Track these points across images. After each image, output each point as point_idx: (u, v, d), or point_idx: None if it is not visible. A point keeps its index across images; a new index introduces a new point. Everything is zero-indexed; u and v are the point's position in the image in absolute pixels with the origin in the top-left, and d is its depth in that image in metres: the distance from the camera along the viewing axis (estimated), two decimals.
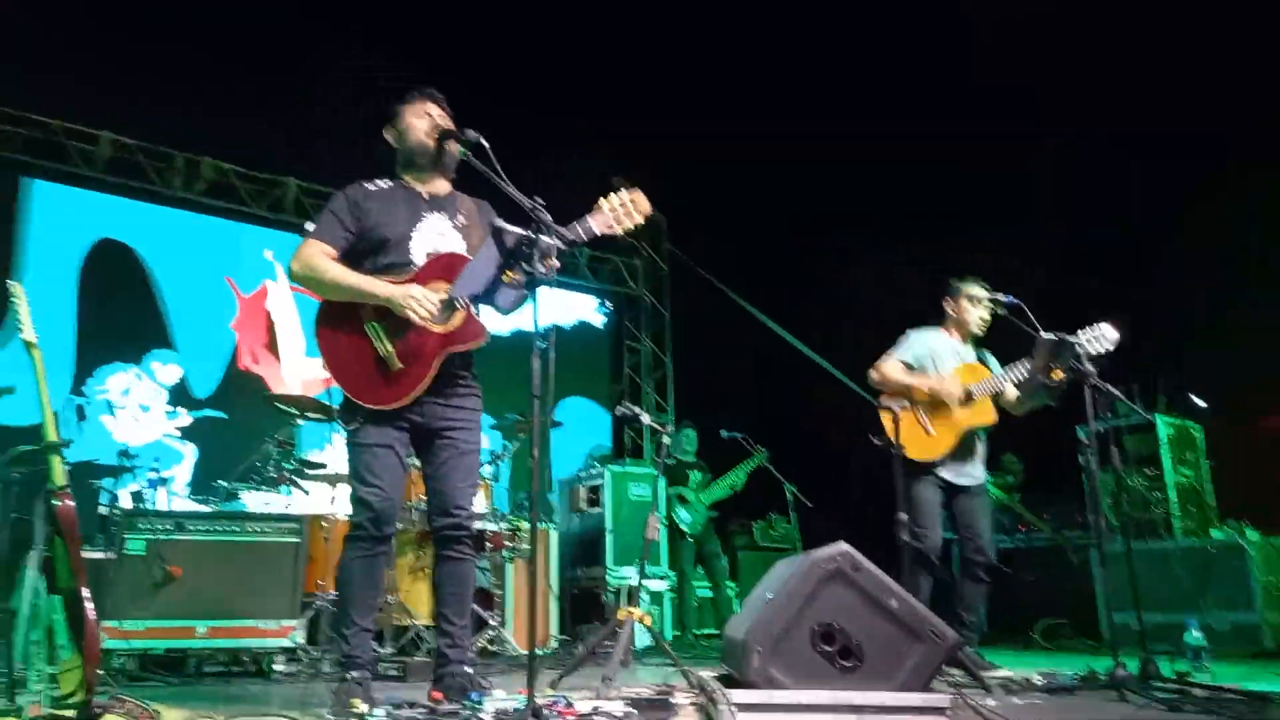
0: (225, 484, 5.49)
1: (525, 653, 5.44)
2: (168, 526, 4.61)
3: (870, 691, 2.53)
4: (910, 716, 2.48)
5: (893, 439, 4.17)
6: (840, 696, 2.51)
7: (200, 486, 7.20)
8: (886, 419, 4.22)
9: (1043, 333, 3.61)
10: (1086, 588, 6.18)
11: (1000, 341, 4.51)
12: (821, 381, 4.60)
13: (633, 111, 8.54)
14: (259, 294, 8.22)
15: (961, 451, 4.32)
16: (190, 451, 7.49)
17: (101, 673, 2.47)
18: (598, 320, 10.72)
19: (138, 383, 7.36)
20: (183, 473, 7.35)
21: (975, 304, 4.43)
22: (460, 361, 3.09)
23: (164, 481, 5.32)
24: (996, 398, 4.35)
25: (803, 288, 8.80)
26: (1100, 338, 3.74)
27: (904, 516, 3.77)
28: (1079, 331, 3.79)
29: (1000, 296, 3.98)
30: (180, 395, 7.60)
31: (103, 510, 5.01)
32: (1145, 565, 5.31)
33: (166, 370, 7.56)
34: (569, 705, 2.57)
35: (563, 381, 9.19)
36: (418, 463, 3.18)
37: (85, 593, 2.42)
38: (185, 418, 7.50)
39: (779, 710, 2.50)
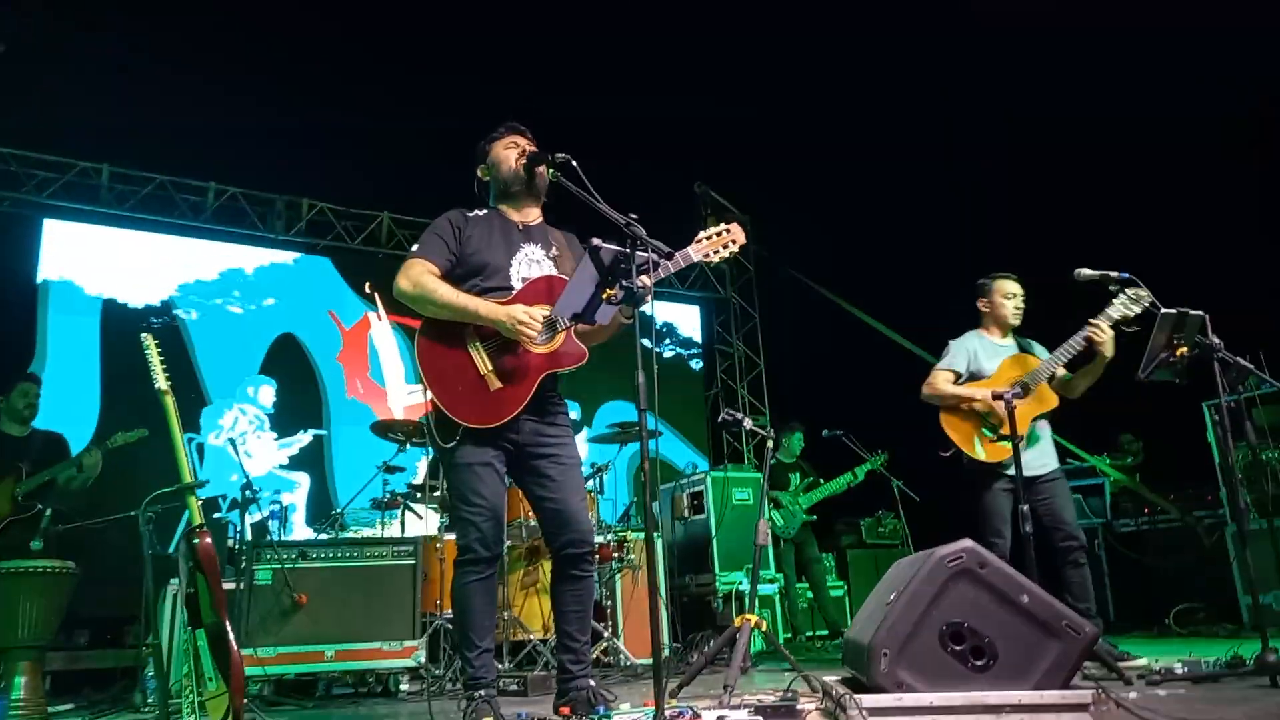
0: (349, 509, 5.68)
1: (639, 662, 5.49)
2: (292, 555, 4.79)
3: (1006, 691, 2.45)
4: (1050, 715, 2.39)
5: (959, 446, 4.22)
6: (974, 697, 2.43)
7: (316, 515, 7.48)
8: (948, 427, 4.26)
9: (1163, 308, 3.44)
10: (1220, 569, 5.88)
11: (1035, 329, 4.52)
12: (922, 372, 4.51)
13: (713, 112, 8.53)
14: (360, 325, 8.51)
15: (1027, 443, 4.23)
16: (304, 480, 7.77)
17: (248, 699, 2.57)
18: (689, 327, 10.74)
19: (242, 415, 7.69)
20: (299, 501, 7.64)
21: (1008, 298, 4.45)
22: (553, 380, 3.13)
23: (285, 511, 5.54)
24: (1052, 381, 4.28)
25: (895, 278, 8.65)
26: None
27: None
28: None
29: (1112, 273, 3.81)
30: (287, 423, 7.91)
31: (231, 543, 5.24)
32: None
33: (263, 392, 7.88)
34: (695, 715, 2.56)
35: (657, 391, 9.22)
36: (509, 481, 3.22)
37: (228, 625, 2.53)
38: (296, 445, 7.79)
39: (911, 713, 2.44)
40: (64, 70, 6.70)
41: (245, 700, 2.54)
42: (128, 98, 7.00)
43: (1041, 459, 4.31)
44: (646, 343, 2.39)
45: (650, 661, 5.61)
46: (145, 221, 7.93)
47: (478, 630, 3.01)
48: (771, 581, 6.98)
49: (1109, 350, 4.05)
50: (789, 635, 7.14)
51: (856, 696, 2.47)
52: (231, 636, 2.51)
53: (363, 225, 8.80)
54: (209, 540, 2.60)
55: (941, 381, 4.38)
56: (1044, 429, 4.35)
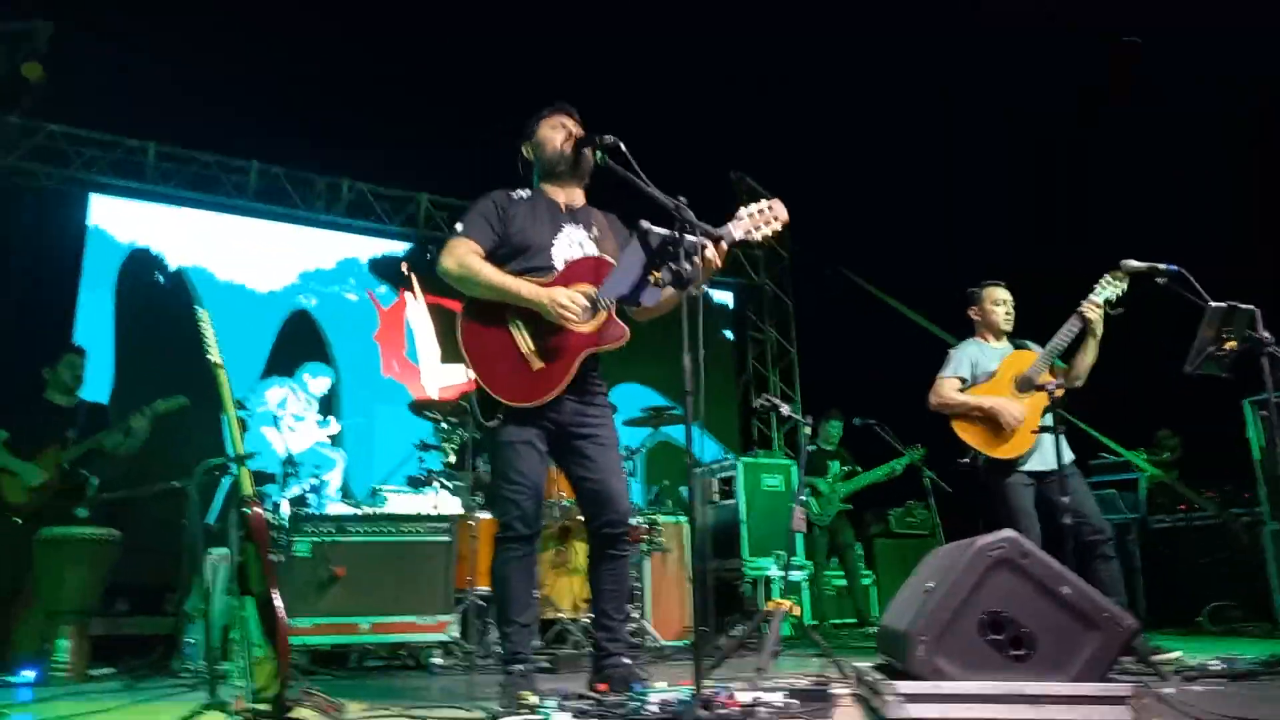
0: (384, 487, 5.76)
1: (666, 644, 5.53)
2: (330, 529, 4.87)
3: (1044, 681, 2.44)
4: (1088, 707, 2.39)
5: (976, 447, 4.27)
6: (1012, 687, 2.43)
7: (352, 490, 7.59)
8: (960, 430, 4.32)
9: (1211, 302, 3.40)
10: (1256, 568, 5.81)
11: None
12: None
13: (747, 101, 8.49)
14: (398, 305, 8.59)
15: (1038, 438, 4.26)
16: (340, 458, 7.89)
17: (292, 668, 2.63)
18: (721, 313, 10.72)
19: (293, 395, 7.80)
20: (335, 478, 7.75)
21: (998, 304, 4.57)
22: (594, 360, 3.15)
23: (322, 486, 5.62)
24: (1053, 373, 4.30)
25: (931, 268, 8.58)
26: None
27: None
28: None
29: (1160, 266, 3.77)
30: (329, 404, 8.02)
31: (269, 516, 5.33)
32: None
33: (317, 382, 8.00)
34: (731, 696, 2.58)
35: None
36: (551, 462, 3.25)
37: (275, 594, 2.58)
38: (335, 425, 7.90)
39: (948, 700, 2.45)
40: (113, 49, 6.78)
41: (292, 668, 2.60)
42: (175, 78, 7.09)
43: (1060, 452, 4.28)
44: (691, 327, 2.37)
45: (679, 643, 5.68)
46: (190, 199, 8.05)
47: (516, 607, 3.05)
48: (800, 569, 7.00)
49: (1099, 328, 4.15)
50: (815, 622, 7.15)
51: (892, 683, 2.48)
52: (279, 605, 2.57)
53: (400, 206, 8.87)
54: (260, 510, 2.66)
55: (948, 390, 4.44)
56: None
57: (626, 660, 3.10)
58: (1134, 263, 3.93)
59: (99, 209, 7.77)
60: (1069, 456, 4.34)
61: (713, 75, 8.32)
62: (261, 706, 2.54)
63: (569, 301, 2.97)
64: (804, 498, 7.12)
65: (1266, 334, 3.29)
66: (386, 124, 7.80)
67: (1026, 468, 4.26)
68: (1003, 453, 4.26)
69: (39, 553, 4.64)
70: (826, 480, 7.30)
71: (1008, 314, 4.58)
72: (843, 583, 7.62)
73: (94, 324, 7.47)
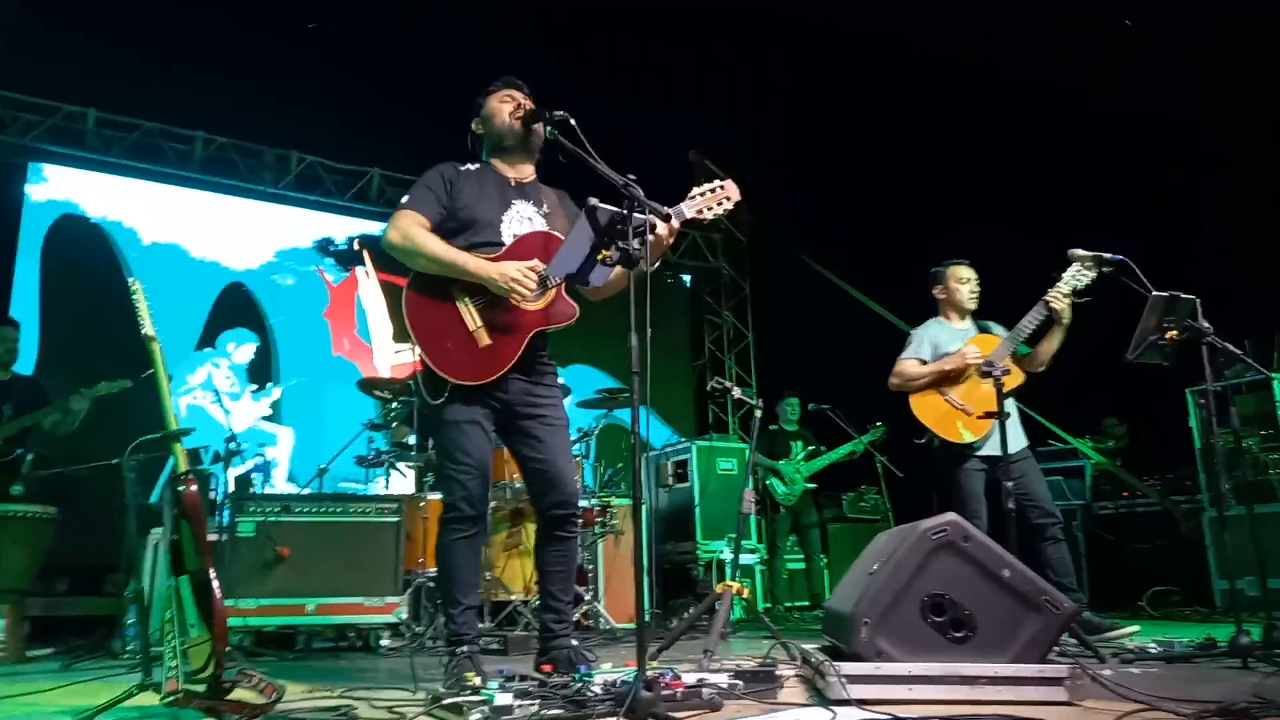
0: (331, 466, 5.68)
1: (619, 626, 5.53)
2: (275, 509, 4.79)
3: (984, 663, 2.47)
4: (1025, 687, 2.42)
5: (933, 430, 4.30)
6: (952, 668, 2.46)
7: (299, 470, 7.45)
8: (920, 412, 4.35)
9: (1154, 291, 3.45)
10: (1196, 554, 5.96)
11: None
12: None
13: (719, 75, 8.45)
14: (348, 282, 8.44)
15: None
16: (287, 435, 7.75)
17: (229, 648, 2.57)
18: (678, 295, 10.70)
19: (216, 370, 7.62)
20: (281, 456, 7.61)
21: (962, 283, 4.57)
22: (543, 339, 3.11)
23: (269, 465, 5.52)
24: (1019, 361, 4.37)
25: (891, 255, 8.64)
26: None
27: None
28: None
29: (1106, 255, 3.83)
30: (265, 373, 7.84)
31: (212, 495, 5.22)
32: (1261, 530, 5.09)
33: (241, 351, 7.82)
34: (676, 677, 2.57)
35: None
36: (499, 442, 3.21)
37: (212, 573, 2.51)
38: (276, 392, 7.74)
39: (889, 681, 2.47)
40: (52, 11, 6.55)
41: (226, 649, 2.53)
42: (117, 44, 6.86)
43: (1012, 437, 4.32)
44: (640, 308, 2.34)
45: (629, 626, 5.69)
46: (133, 169, 7.81)
47: (461, 588, 3.01)
48: (752, 552, 7.04)
49: (1067, 317, 4.19)
50: (768, 605, 7.21)
51: (835, 664, 2.50)
52: (216, 584, 2.50)
53: (352, 181, 8.69)
54: (194, 487, 2.58)
55: (910, 368, 4.46)
56: (1011, 407, 4.39)
57: (574, 641, 3.08)
58: (1081, 251, 3.98)
59: (36, 177, 7.51)
60: (1023, 442, 4.41)
61: (672, 51, 8.27)
62: (196, 688, 2.48)
63: (520, 275, 2.92)
64: (757, 479, 7.18)
65: (1206, 324, 3.35)
66: (339, 98, 7.64)
67: (982, 452, 4.30)
68: (960, 437, 4.29)
69: None
70: (790, 461, 7.35)
71: (972, 292, 4.58)
72: (798, 566, 7.68)
73: (30, 296, 7.24)
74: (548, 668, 2.93)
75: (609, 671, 2.76)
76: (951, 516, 2.63)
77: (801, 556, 7.66)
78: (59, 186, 7.54)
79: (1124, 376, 4.53)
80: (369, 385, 5.91)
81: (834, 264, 9.03)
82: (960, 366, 4.32)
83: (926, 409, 4.37)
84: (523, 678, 2.59)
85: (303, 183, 8.46)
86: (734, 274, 10.91)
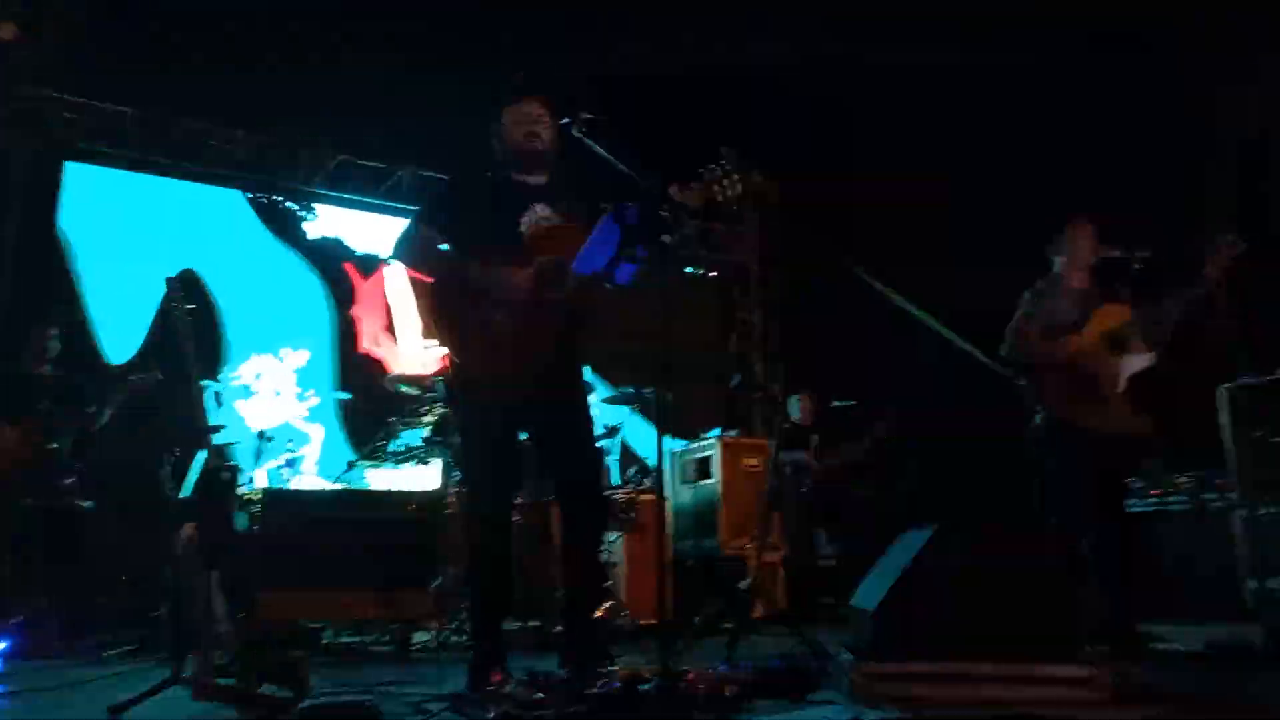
0: (360, 462, 5.72)
1: (642, 623, 5.53)
2: (304, 504, 4.84)
3: (1008, 662, 2.46)
4: (1055, 688, 2.41)
5: (1053, 409, 3.87)
6: (976, 667, 2.45)
7: (328, 465, 7.53)
8: (1046, 385, 3.94)
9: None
10: (1224, 553, 5.87)
11: None
12: (942, 347, 4.46)
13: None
14: (377, 278, 8.50)
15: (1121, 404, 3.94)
16: (318, 432, 7.82)
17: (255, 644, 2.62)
18: (705, 292, 10.66)
19: (269, 368, 7.72)
20: (312, 452, 7.68)
21: (1086, 237, 4.14)
22: (569, 339, 3.13)
23: (297, 461, 5.58)
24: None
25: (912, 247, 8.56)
26: None
27: None
28: None
29: (1137, 252, 3.76)
30: (307, 378, 7.93)
31: (243, 490, 5.28)
32: None
33: (296, 356, 7.91)
34: (699, 675, 2.58)
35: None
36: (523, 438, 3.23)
37: (241, 569, 2.56)
38: (314, 398, 7.82)
39: (913, 680, 2.46)
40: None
41: (259, 645, 2.58)
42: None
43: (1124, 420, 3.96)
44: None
45: (653, 623, 5.69)
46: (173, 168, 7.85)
47: (489, 585, 3.05)
48: (776, 548, 7.01)
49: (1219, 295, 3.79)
50: (793, 602, 7.17)
51: (860, 661, 2.50)
52: (245, 580, 2.55)
53: (381, 177, 8.72)
54: (227, 483, 2.63)
55: (1030, 334, 4.03)
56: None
57: (598, 639, 3.10)
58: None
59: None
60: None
61: (696, 47, 8.23)
62: (225, 682, 2.53)
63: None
64: (786, 471, 7.16)
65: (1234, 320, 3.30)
66: (368, 90, 7.67)
67: (1100, 434, 3.87)
68: (1090, 421, 3.87)
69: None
70: (807, 455, 7.32)
71: (1094, 250, 4.13)
72: (823, 563, 7.64)
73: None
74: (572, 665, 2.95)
75: (632, 669, 2.78)
76: (975, 516, 2.62)
77: (826, 554, 7.62)
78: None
79: (1150, 373, 4.34)
80: (398, 382, 5.96)
81: (861, 260, 8.95)
82: (1089, 372, 3.98)
83: (1051, 381, 3.98)
84: (547, 675, 2.61)
85: (335, 179, 8.49)
86: (763, 270, 10.84)
